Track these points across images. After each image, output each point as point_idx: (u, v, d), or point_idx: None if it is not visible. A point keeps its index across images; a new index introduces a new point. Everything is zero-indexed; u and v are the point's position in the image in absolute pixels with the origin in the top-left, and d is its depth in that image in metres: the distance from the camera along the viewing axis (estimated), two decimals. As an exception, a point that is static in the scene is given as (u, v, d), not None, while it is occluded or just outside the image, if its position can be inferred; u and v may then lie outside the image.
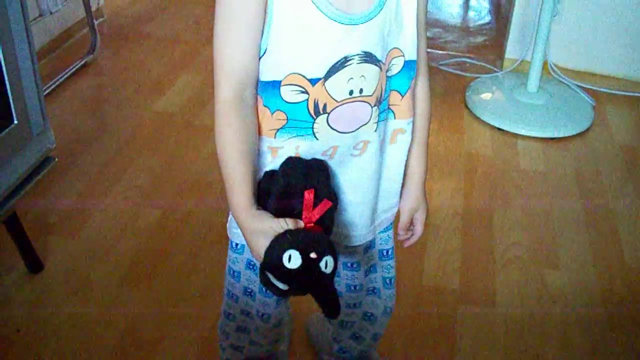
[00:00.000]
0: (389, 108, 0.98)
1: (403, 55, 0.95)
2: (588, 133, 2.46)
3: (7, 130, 1.41)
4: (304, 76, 0.88)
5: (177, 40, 3.03)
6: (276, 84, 0.89)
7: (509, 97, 2.57)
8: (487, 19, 3.58)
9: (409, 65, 0.96)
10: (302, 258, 0.80)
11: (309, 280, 0.82)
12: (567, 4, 2.66)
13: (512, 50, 2.86)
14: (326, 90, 0.89)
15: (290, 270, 0.80)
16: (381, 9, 0.89)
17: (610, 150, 2.39)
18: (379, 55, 0.91)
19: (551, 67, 2.73)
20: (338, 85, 0.89)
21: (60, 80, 2.57)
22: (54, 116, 2.33)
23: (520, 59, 2.76)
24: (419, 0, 0.95)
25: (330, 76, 0.88)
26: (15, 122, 1.43)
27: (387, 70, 0.94)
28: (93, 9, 2.94)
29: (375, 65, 0.91)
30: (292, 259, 0.80)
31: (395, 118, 0.99)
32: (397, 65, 0.95)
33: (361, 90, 0.91)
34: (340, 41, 0.87)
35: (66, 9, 2.83)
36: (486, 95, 2.62)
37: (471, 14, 3.71)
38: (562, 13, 2.64)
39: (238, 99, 0.88)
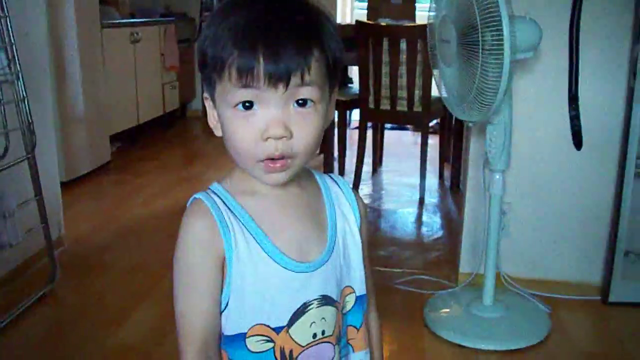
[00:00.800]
0: (347, 343, 1.01)
1: (354, 292, 1.00)
2: (547, 342, 2.48)
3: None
4: (268, 326, 0.91)
5: (137, 270, 3.05)
6: (241, 337, 0.91)
7: (466, 312, 2.60)
8: (440, 233, 3.70)
9: (360, 299, 1.02)
10: None
11: None
12: (514, 216, 2.78)
13: (465, 265, 2.93)
14: (291, 337, 0.92)
15: None
16: (331, 253, 0.96)
17: (571, 358, 2.40)
18: (334, 296, 0.96)
19: (504, 279, 2.80)
20: (302, 331, 0.93)
21: (17, 312, 2.54)
22: (9, 350, 2.29)
23: (474, 273, 2.83)
24: (362, 238, 1.02)
25: (293, 323, 0.92)
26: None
27: (342, 308, 0.99)
28: (54, 237, 2.98)
29: (333, 306, 0.96)
30: None
31: (354, 352, 1.02)
32: (350, 302, 1.00)
33: (323, 332, 0.95)
34: (299, 289, 0.92)
35: (26, 239, 2.86)
36: (444, 312, 2.65)
37: (424, 230, 3.83)
38: (509, 225, 2.75)
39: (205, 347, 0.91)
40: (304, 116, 0.86)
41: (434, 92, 3.82)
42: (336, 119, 4.69)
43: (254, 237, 0.90)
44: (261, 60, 0.81)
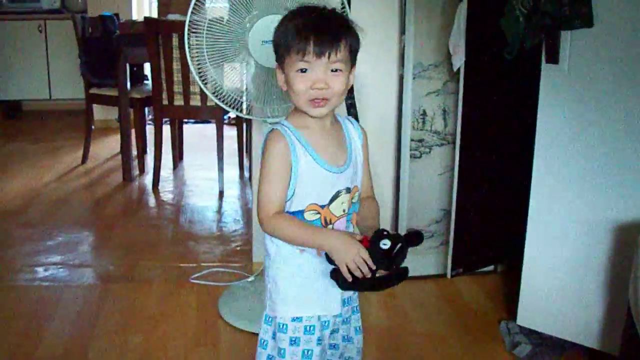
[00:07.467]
0: (349, 221, 1.62)
1: (359, 190, 1.63)
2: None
3: None
4: (317, 204, 1.54)
5: None
6: (300, 212, 1.54)
7: (260, 300, 2.61)
8: (239, 225, 3.74)
9: (359, 196, 1.65)
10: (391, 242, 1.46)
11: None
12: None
13: (258, 254, 2.97)
14: (330, 211, 1.55)
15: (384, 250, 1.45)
16: (350, 163, 1.59)
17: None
18: (351, 189, 1.59)
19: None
20: (336, 208, 1.56)
21: None
22: None
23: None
24: (365, 155, 1.65)
25: (331, 203, 1.55)
26: None
27: (352, 198, 1.60)
28: None
29: (349, 194, 1.58)
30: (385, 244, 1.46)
31: (352, 226, 1.65)
32: (356, 197, 1.62)
33: (344, 210, 1.58)
34: (335, 183, 1.55)
35: None
36: (238, 302, 2.68)
37: (223, 222, 3.85)
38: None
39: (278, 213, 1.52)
40: (336, 77, 1.49)
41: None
42: (132, 117, 4.62)
43: (309, 153, 1.53)
44: (312, 44, 1.45)
